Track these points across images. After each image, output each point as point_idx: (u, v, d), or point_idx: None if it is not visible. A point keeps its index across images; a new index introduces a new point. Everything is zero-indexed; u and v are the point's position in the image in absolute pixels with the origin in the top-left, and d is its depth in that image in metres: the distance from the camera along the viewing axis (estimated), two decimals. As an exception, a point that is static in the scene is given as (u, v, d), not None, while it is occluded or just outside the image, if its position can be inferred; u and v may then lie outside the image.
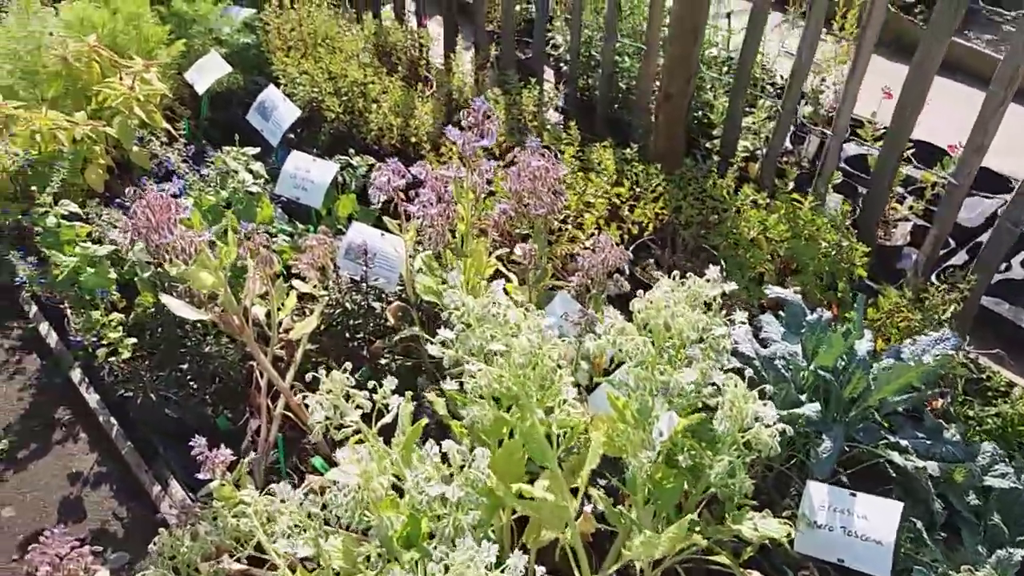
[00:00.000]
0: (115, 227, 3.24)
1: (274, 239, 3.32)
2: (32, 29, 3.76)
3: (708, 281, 2.02)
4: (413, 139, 3.74)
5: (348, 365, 1.91)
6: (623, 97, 4.11)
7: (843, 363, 2.35)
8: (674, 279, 2.03)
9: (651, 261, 3.35)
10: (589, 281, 2.53)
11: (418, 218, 2.58)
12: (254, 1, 4.61)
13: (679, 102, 3.52)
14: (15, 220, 3.40)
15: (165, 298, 2.39)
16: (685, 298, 2.01)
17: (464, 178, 2.59)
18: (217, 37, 4.35)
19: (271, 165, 3.87)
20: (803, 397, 2.33)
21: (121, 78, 3.64)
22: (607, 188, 3.11)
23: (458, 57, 4.28)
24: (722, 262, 2.86)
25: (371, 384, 1.88)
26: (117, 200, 3.57)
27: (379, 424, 1.89)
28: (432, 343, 2.03)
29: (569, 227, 3.00)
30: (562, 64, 4.53)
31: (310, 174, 3.32)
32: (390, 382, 1.93)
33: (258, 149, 3.38)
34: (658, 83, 3.84)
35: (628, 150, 3.48)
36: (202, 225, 2.29)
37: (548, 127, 3.68)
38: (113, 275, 2.83)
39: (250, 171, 3.28)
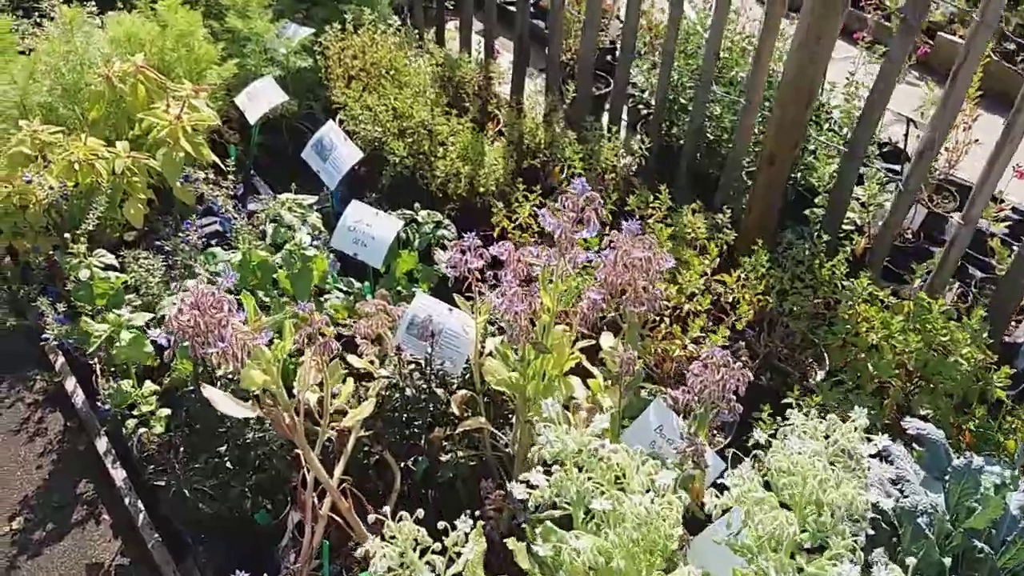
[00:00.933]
0: (152, 276, 2.94)
1: (326, 297, 3.01)
2: (76, 45, 3.47)
3: (855, 429, 1.67)
4: (481, 188, 3.41)
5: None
6: (710, 149, 3.75)
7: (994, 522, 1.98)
8: (816, 431, 1.67)
9: (742, 345, 2.99)
10: (695, 398, 2.17)
11: (497, 307, 2.24)
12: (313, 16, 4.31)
13: (783, 167, 3.16)
14: (46, 256, 3.12)
15: (208, 391, 2.07)
16: (828, 451, 1.67)
17: (554, 266, 2.26)
18: (271, 58, 4.04)
19: (322, 203, 3.56)
20: (947, 562, 1.97)
21: (168, 105, 3.34)
22: (706, 270, 2.75)
23: (527, 89, 3.94)
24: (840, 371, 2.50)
25: (440, 525, 1.57)
26: (156, 241, 3.29)
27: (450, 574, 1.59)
28: (517, 482, 1.69)
29: (665, 320, 2.65)
30: (641, 106, 4.17)
31: (371, 229, 3.00)
32: (464, 524, 1.61)
33: (315, 198, 3.06)
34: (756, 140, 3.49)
35: (719, 215, 3.12)
36: (257, 317, 1.98)
37: (634, 187, 3.32)
38: (149, 347, 2.53)
39: (305, 221, 2.96)
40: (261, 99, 3.71)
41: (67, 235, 2.85)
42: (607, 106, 4.62)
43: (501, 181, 3.42)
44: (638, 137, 3.81)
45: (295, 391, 2.17)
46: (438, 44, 4.83)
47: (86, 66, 3.48)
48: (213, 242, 3.34)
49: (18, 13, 3.84)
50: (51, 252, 3.16)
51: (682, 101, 3.81)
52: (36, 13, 3.92)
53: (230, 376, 2.29)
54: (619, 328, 2.49)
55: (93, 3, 3.93)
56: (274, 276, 2.86)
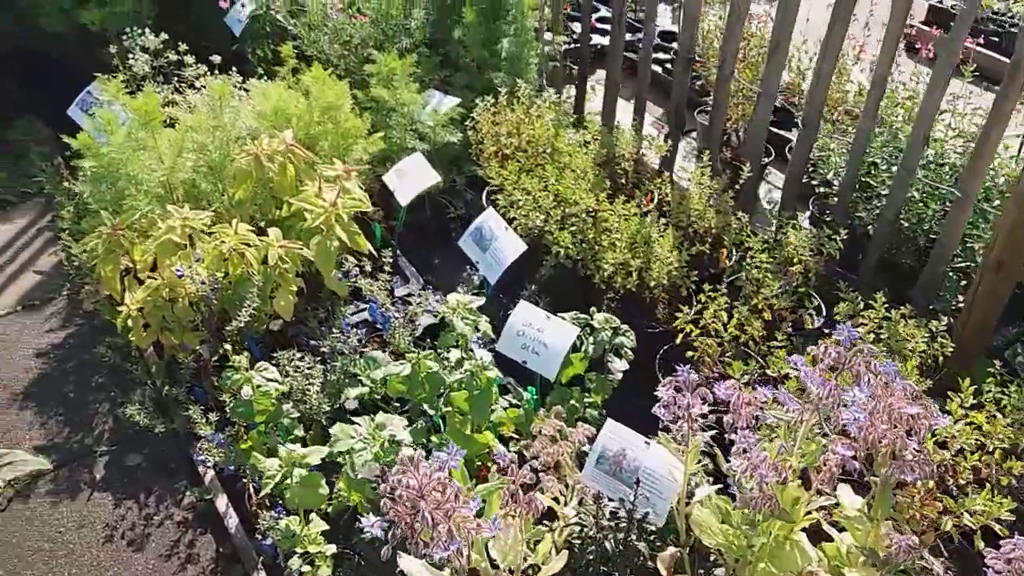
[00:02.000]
0: (310, 383, 2.71)
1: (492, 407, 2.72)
2: (225, 121, 3.31)
3: None
4: (652, 282, 3.09)
5: None
6: (904, 236, 3.35)
7: None
8: None
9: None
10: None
11: (733, 467, 1.91)
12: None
13: (1012, 275, 2.75)
14: (193, 354, 2.93)
15: (405, 562, 1.79)
16: None
17: (802, 420, 1.92)
18: (416, 129, 3.83)
19: (466, 283, 3.29)
20: None
21: (320, 188, 3.13)
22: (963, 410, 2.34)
23: (685, 161, 3.62)
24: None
25: None
26: (311, 341, 3.07)
27: None
28: None
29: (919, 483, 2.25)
30: (822, 188, 3.79)
31: (543, 335, 2.70)
32: None
33: (482, 300, 2.78)
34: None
35: (933, 323, 2.73)
36: (468, 487, 1.71)
37: (837, 289, 2.95)
38: (324, 489, 2.27)
39: (477, 328, 2.69)
40: (412, 179, 3.48)
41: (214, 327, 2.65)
42: (765, 173, 4.28)
43: (675, 275, 3.09)
44: (821, 228, 3.43)
45: (499, 563, 1.88)
46: (577, 108, 4.56)
47: (232, 141, 3.31)
48: (362, 331, 3.12)
49: (159, 79, 3.73)
50: (197, 348, 2.98)
51: (871, 182, 3.43)
52: (176, 78, 3.80)
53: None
54: (857, 476, 2.12)
55: (234, 69, 3.80)
56: (443, 387, 2.59)
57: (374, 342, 3.24)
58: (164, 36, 3.67)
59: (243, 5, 4.52)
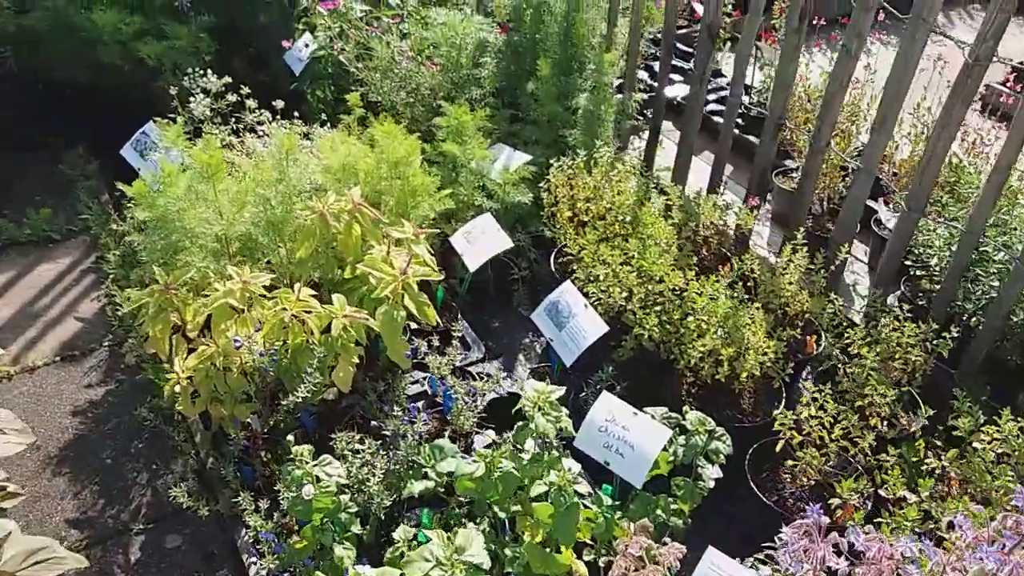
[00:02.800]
0: (371, 472, 2.47)
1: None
2: (289, 176, 3.11)
3: None
4: (744, 374, 2.83)
5: None
6: (1011, 330, 3.08)
7: None
8: None
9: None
10: None
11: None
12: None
13: None
14: (244, 430, 2.71)
15: None
16: None
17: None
18: (483, 186, 3.62)
19: (529, 354, 3.05)
20: None
21: (388, 251, 2.92)
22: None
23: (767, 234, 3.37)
24: None
25: None
26: (366, 415, 2.85)
27: None
28: None
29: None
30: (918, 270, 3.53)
31: (629, 434, 2.45)
32: None
33: (563, 389, 2.53)
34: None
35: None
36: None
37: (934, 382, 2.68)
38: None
39: (557, 423, 2.45)
40: (482, 242, 3.26)
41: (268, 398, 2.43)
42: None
43: (771, 367, 2.84)
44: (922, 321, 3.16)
45: None
46: (647, 163, 4.34)
47: (295, 196, 3.12)
48: (420, 405, 2.89)
49: (216, 120, 3.55)
50: (248, 419, 2.76)
51: (980, 272, 3.16)
52: (234, 119, 3.62)
53: None
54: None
55: (295, 112, 3.62)
56: (519, 489, 2.35)
57: (434, 418, 3.00)
58: (227, 79, 3.48)
59: (306, 44, 4.35)
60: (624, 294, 2.96)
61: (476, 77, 3.93)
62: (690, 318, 2.90)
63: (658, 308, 2.94)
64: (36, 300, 3.59)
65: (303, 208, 3.03)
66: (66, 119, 4.51)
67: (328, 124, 3.77)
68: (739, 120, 5.02)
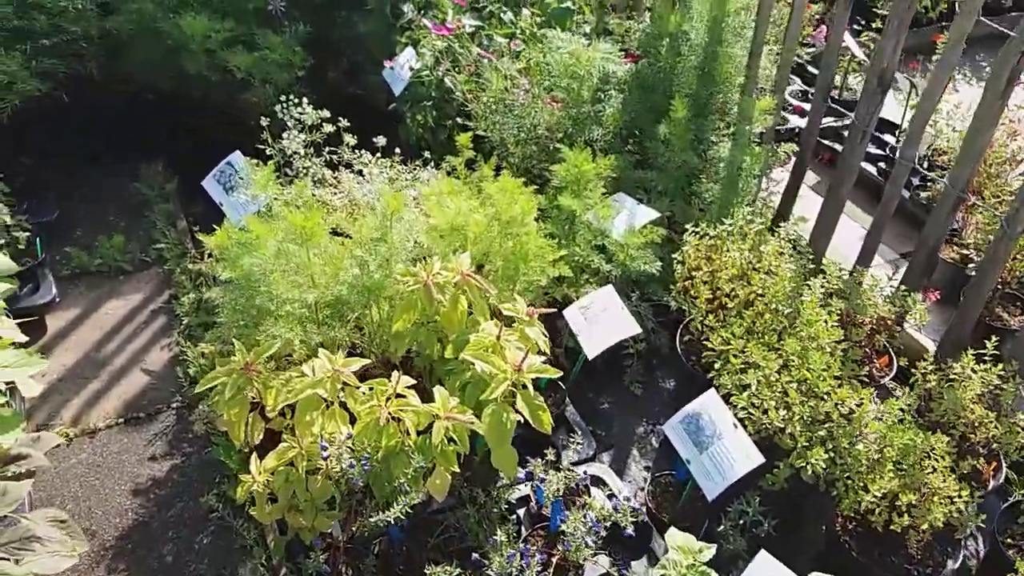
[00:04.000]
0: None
1: None
2: (392, 239, 2.69)
3: None
4: (923, 523, 2.32)
5: None
6: None
7: None
8: None
9: None
10: None
11: None
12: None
13: None
14: (325, 547, 2.32)
15: None
16: None
17: None
18: (601, 245, 3.14)
19: (645, 448, 2.59)
20: None
21: (499, 337, 2.48)
22: None
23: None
24: None
25: None
26: (462, 533, 2.44)
27: None
28: None
29: None
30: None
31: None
32: None
33: (713, 549, 2.07)
34: None
35: None
36: None
37: None
38: None
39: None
40: (603, 325, 2.81)
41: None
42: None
43: (955, 516, 2.32)
44: None
45: None
46: (782, 211, 3.79)
47: (396, 259, 2.71)
48: (519, 513, 2.46)
49: (309, 151, 3.16)
50: (329, 529, 2.37)
51: None
52: (327, 148, 3.22)
53: None
54: None
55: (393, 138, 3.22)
56: None
57: (538, 535, 2.57)
58: (324, 113, 3.08)
59: (408, 62, 3.92)
60: (783, 413, 2.46)
61: (598, 114, 3.44)
62: (860, 446, 2.40)
63: (823, 433, 2.43)
64: (102, 345, 3.26)
65: (404, 274, 2.62)
66: (146, 130, 4.18)
67: (429, 155, 3.33)
68: (881, 164, 4.45)
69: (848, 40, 4.32)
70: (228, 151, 3.23)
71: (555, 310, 2.93)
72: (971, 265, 3.56)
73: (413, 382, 2.48)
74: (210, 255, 3.06)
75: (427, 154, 3.35)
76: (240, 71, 3.81)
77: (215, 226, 2.75)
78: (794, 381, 2.51)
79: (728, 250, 2.91)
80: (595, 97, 3.49)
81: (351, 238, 2.83)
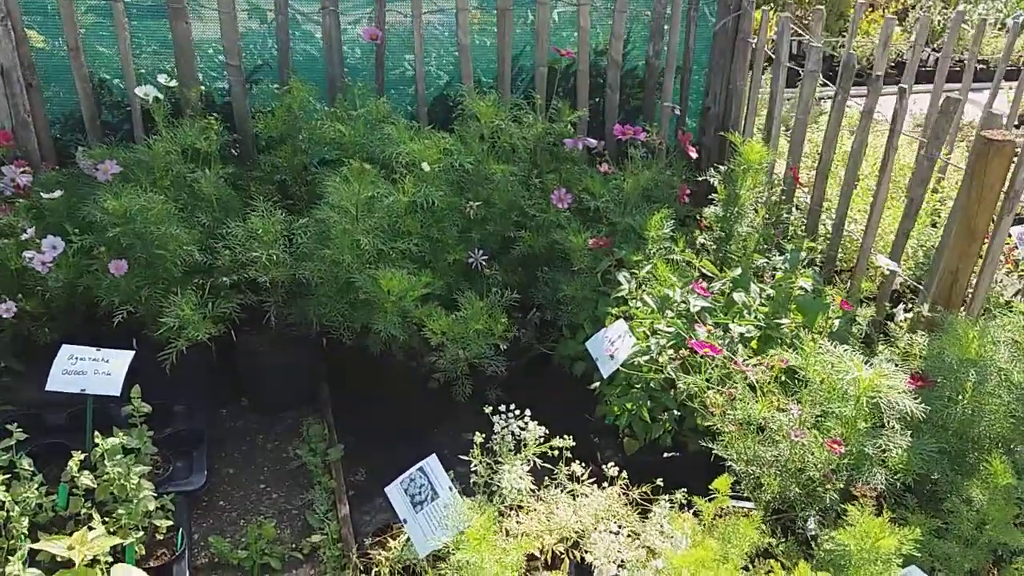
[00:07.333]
0: None
1: None
2: None
3: None
4: None
5: None
6: None
7: None
8: None
9: None
10: None
11: None
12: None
13: None
14: None
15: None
16: None
17: None
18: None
19: None
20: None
21: None
22: None
23: None
24: None
25: None
26: None
27: None
28: None
29: None
30: None
31: None
32: None
33: None
34: None
35: None
36: None
37: None
38: None
39: None
40: None
41: None
42: None
43: None
44: None
45: None
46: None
47: None
48: None
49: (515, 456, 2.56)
50: None
51: None
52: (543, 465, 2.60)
53: None
54: None
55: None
56: None
57: None
58: (543, 430, 2.49)
59: (618, 337, 3.36)
60: None
61: (881, 458, 2.71)
62: None
63: None
64: None
65: None
66: (313, 378, 3.73)
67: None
68: None
69: None
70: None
71: None
72: None
73: None
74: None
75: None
76: (436, 336, 3.33)
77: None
78: None
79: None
80: (870, 431, 2.78)
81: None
